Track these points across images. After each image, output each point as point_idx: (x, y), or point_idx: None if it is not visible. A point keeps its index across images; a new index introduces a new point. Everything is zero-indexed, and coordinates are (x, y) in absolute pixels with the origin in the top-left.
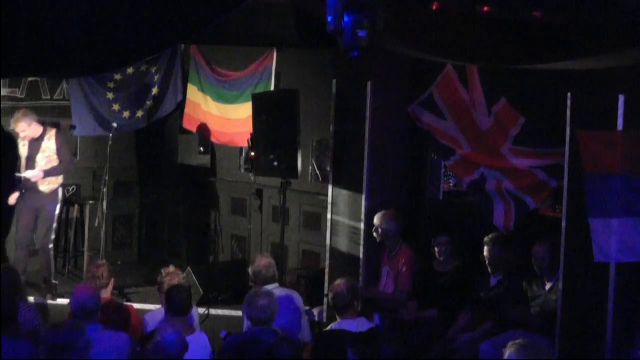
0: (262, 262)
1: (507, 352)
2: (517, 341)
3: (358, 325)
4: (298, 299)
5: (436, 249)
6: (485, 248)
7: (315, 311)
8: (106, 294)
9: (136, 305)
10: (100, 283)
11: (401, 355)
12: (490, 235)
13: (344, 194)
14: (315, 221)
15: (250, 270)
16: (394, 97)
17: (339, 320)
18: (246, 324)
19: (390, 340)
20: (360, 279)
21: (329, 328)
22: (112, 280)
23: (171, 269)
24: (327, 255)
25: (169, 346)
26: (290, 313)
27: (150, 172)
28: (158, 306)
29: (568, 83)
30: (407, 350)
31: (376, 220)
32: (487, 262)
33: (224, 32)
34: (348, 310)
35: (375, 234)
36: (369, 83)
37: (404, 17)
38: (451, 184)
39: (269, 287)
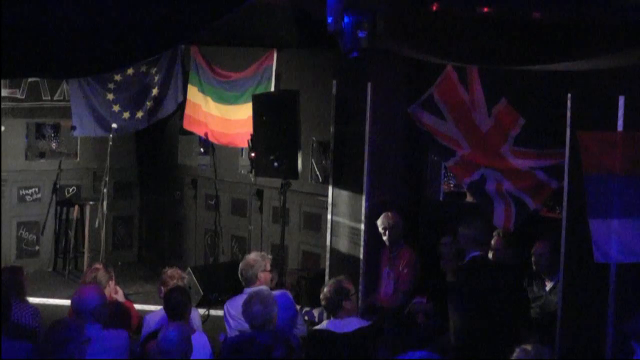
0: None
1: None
2: (525, 346)
3: (344, 325)
4: (289, 297)
5: (441, 249)
6: (494, 238)
7: (315, 312)
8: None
9: (136, 306)
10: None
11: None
12: (499, 229)
13: (344, 194)
14: (315, 222)
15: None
16: (394, 97)
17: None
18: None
19: (386, 342)
20: (360, 279)
21: (317, 327)
22: (111, 281)
23: (175, 271)
24: (327, 255)
25: (173, 346)
26: (283, 312)
27: (150, 172)
28: (158, 307)
29: (568, 83)
30: (405, 350)
31: (382, 221)
32: (492, 254)
33: (224, 33)
34: (337, 311)
35: (384, 237)
36: (369, 84)
37: (404, 18)
38: (451, 185)
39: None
